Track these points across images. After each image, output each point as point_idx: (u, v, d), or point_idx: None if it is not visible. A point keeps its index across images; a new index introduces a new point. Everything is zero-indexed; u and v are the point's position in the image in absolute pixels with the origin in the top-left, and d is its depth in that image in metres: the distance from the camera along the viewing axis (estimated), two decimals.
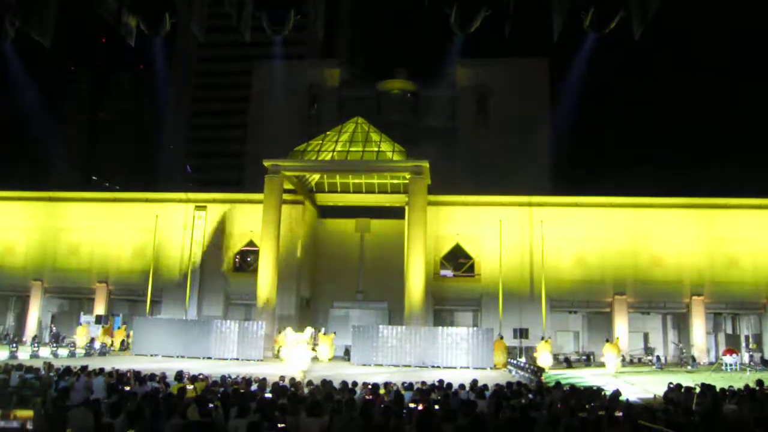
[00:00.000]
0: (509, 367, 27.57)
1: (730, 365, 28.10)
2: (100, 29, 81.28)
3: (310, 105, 55.37)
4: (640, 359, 33.98)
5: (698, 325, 34.17)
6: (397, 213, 38.08)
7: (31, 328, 36.93)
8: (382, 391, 13.67)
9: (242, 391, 12.80)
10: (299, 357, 23.40)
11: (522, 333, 31.80)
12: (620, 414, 10.35)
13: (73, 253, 38.35)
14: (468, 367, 27.25)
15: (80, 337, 32.90)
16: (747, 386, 14.76)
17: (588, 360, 32.79)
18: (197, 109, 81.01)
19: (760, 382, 15.28)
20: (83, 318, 36.11)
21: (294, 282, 36.27)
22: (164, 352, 29.37)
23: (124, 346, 33.67)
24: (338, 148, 35.19)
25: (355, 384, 14.55)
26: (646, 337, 37.02)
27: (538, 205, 36.20)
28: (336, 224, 40.39)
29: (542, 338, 30.14)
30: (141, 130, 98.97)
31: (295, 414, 9.79)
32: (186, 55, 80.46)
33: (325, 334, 31.35)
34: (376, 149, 34.83)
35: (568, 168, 55.42)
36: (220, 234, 37.60)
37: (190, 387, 13.18)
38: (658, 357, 31.75)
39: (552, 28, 18.81)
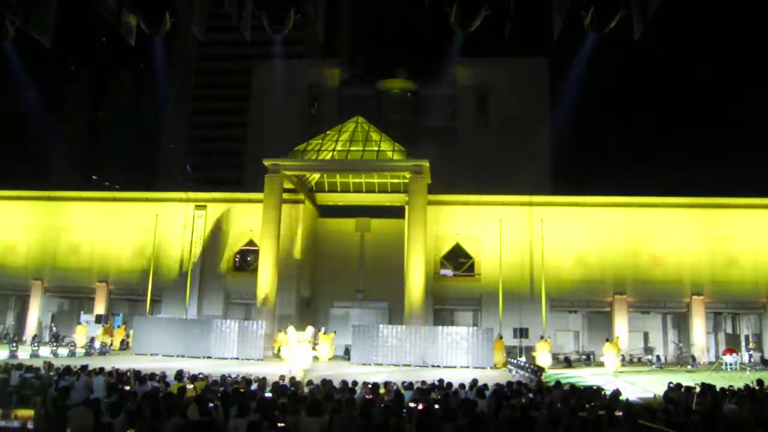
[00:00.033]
0: (509, 366, 27.59)
1: (730, 365, 28.11)
2: (100, 28, 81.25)
3: (310, 104, 55.41)
4: (640, 359, 33.98)
5: (698, 325, 34.16)
6: (397, 212, 38.10)
7: (31, 327, 36.92)
8: (382, 390, 13.66)
9: (242, 390, 12.79)
10: (301, 356, 23.40)
11: (522, 332, 31.83)
12: (620, 413, 10.36)
13: (73, 252, 38.34)
14: (468, 367, 27.27)
15: (80, 336, 32.88)
16: (747, 386, 14.77)
17: (588, 359, 32.80)
18: (197, 108, 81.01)
19: (760, 382, 15.31)
20: (83, 317, 36.07)
21: (294, 281, 36.26)
22: (164, 351, 29.39)
23: (124, 346, 33.65)
24: (338, 148, 35.19)
25: (355, 383, 14.56)
26: (646, 336, 37.05)
27: (538, 205, 36.18)
28: (336, 224, 40.41)
29: (541, 337, 30.14)
30: (141, 129, 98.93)
31: (295, 413, 9.78)
32: (186, 54, 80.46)
33: (325, 333, 31.36)
34: (376, 149, 34.83)
35: (568, 168, 55.47)
36: (219, 233, 37.58)
37: (190, 386, 13.17)
38: (658, 356, 31.81)
39: (552, 27, 18.76)
